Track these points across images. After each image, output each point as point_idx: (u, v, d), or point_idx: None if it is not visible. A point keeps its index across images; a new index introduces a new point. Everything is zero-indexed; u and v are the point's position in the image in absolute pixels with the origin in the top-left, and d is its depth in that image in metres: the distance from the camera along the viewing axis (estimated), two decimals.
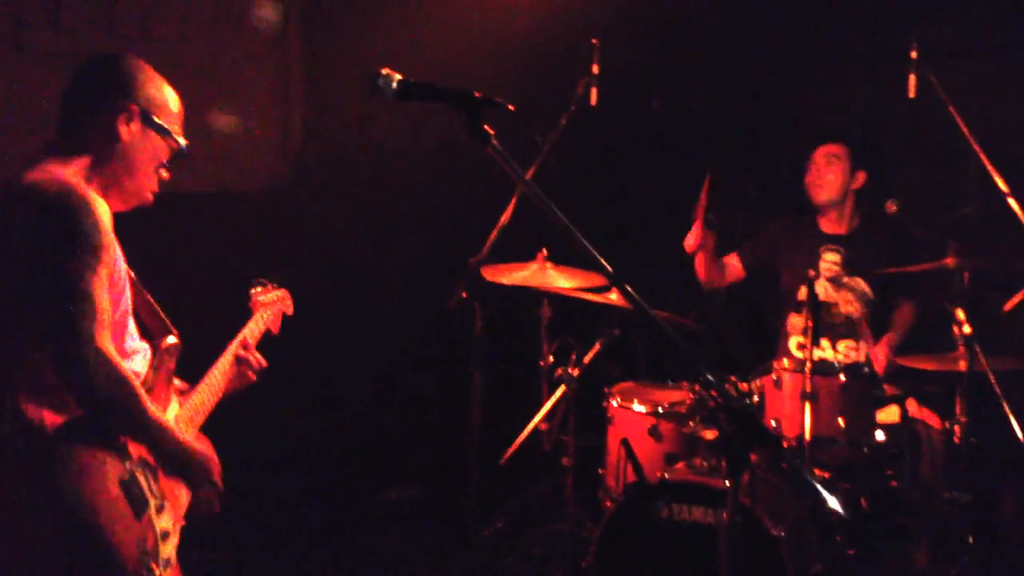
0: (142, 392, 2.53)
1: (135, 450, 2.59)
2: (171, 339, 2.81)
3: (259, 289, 3.35)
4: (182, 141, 2.77)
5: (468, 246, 4.62)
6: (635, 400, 4.62)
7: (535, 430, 4.70)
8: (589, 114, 4.82)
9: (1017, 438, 4.05)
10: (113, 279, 2.54)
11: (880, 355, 4.84)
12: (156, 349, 2.77)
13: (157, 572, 2.55)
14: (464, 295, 4.55)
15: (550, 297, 4.75)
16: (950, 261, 4.34)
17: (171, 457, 2.66)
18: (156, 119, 2.70)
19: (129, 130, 2.66)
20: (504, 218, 4.56)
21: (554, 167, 4.61)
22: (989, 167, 4.45)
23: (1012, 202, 4.40)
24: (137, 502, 2.53)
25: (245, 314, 3.27)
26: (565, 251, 4.41)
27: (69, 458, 2.43)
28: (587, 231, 2.24)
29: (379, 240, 6.23)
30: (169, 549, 2.65)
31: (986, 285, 4.64)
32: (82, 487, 2.42)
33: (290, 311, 3.44)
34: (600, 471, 4.73)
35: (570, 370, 4.64)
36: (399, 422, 6.18)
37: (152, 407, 2.56)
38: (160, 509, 2.62)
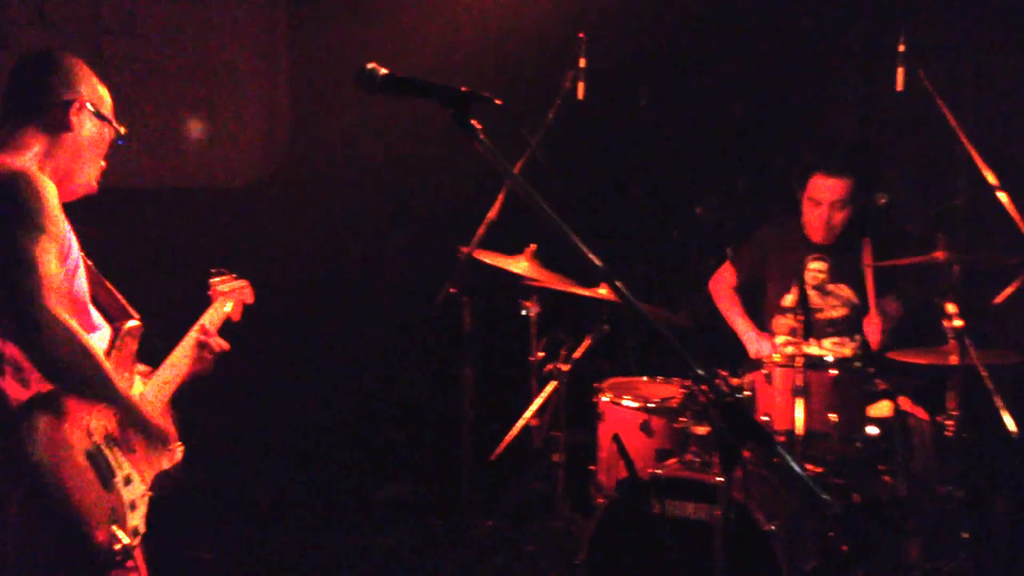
0: (99, 353, 2.61)
1: (99, 425, 2.68)
2: (132, 323, 2.90)
3: (218, 279, 3.42)
4: (122, 129, 2.93)
5: (456, 241, 4.60)
6: (626, 395, 4.60)
7: (526, 426, 4.69)
8: (576, 108, 4.80)
9: (1009, 432, 4.04)
10: (63, 254, 2.63)
11: (874, 329, 4.79)
12: (117, 331, 2.86)
13: (126, 540, 2.63)
14: (453, 290, 4.52)
15: (539, 292, 4.73)
16: (940, 255, 4.32)
17: (137, 424, 2.78)
18: (100, 111, 2.86)
19: (79, 121, 2.81)
20: (492, 213, 4.54)
21: (541, 162, 4.59)
22: (978, 160, 4.44)
23: (1001, 195, 4.39)
24: (104, 472, 2.64)
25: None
26: (553, 246, 4.39)
27: (35, 430, 2.51)
28: (575, 226, 2.23)
29: (366, 235, 6.21)
30: (137, 519, 2.75)
31: (976, 278, 4.63)
32: (49, 457, 2.51)
33: (250, 300, 3.50)
34: (591, 467, 4.71)
35: (560, 365, 4.62)
36: (389, 419, 6.16)
37: (109, 369, 2.65)
38: (128, 481, 2.73)
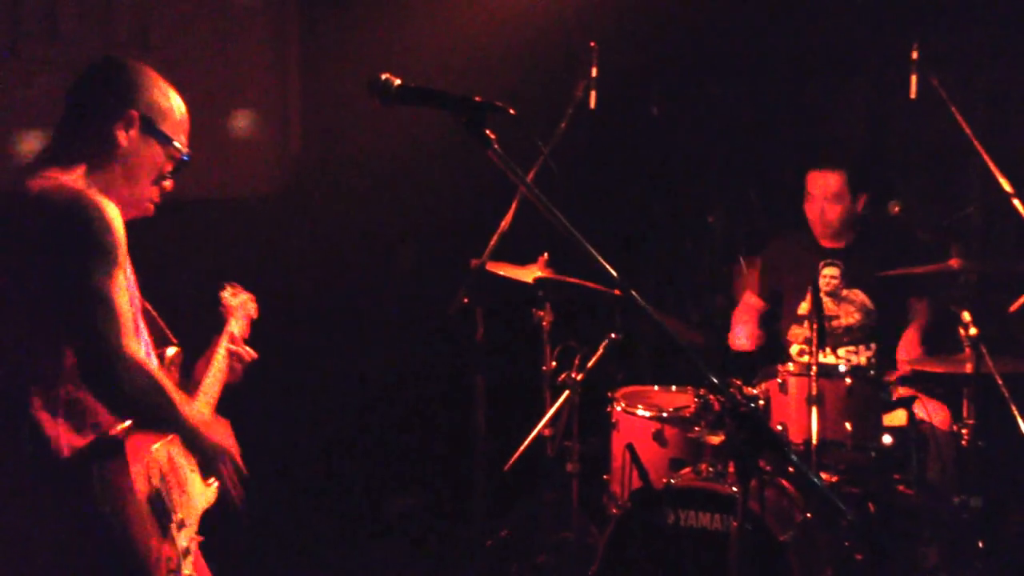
0: (169, 385, 2.51)
1: (156, 466, 2.57)
2: (172, 349, 2.80)
3: (228, 292, 3.32)
4: (184, 151, 2.69)
5: (469, 251, 4.59)
6: (639, 405, 4.59)
7: (539, 436, 4.67)
8: (588, 117, 4.80)
9: None
10: (127, 280, 2.51)
11: (911, 344, 4.79)
12: (161, 358, 2.75)
13: None
14: (465, 300, 4.52)
15: (552, 301, 4.72)
16: (955, 263, 4.31)
17: (204, 451, 2.68)
18: (158, 126, 2.62)
19: (128, 137, 2.57)
20: (505, 222, 4.53)
21: (554, 171, 4.58)
22: (992, 168, 4.43)
23: (1016, 203, 4.37)
24: (162, 518, 2.53)
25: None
26: (566, 256, 4.38)
27: (102, 479, 2.39)
28: (588, 235, 2.22)
29: (379, 246, 6.21)
30: (188, 568, 2.64)
31: (991, 286, 4.61)
32: (121, 506, 2.40)
33: (255, 314, 3.39)
34: (605, 477, 4.70)
35: (573, 375, 4.61)
36: (402, 430, 6.15)
37: (179, 400, 2.55)
38: (181, 525, 2.62)
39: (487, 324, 4.66)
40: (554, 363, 4.75)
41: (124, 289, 2.43)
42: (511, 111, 2.28)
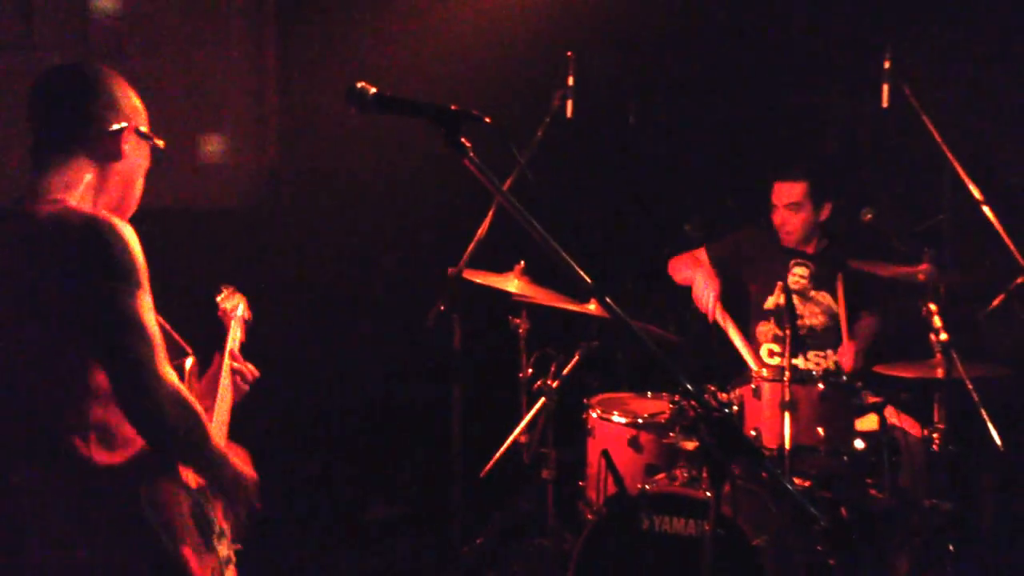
0: (204, 416, 2.48)
1: (194, 478, 2.57)
2: (189, 360, 2.76)
3: (224, 294, 3.27)
4: (161, 143, 2.70)
5: (446, 260, 4.61)
6: (615, 411, 4.61)
7: (515, 443, 4.69)
8: (565, 127, 4.82)
9: (996, 445, 4.06)
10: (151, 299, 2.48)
11: (847, 354, 4.84)
12: (179, 369, 2.69)
13: None
14: (442, 308, 4.53)
15: (529, 308, 4.74)
16: (926, 268, 4.35)
17: (226, 481, 2.64)
18: (143, 129, 2.64)
19: (130, 148, 2.59)
20: (481, 230, 4.55)
21: (531, 180, 4.61)
22: (963, 176, 4.48)
23: (986, 210, 4.43)
24: (206, 530, 2.52)
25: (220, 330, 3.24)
26: (543, 264, 4.41)
27: (151, 494, 2.39)
28: (564, 243, 2.24)
29: (356, 255, 6.22)
30: None
31: (962, 292, 4.66)
32: (168, 520, 2.39)
33: (248, 316, 3.35)
34: (581, 483, 4.72)
35: (549, 382, 4.63)
36: (379, 438, 6.16)
37: (213, 432, 2.52)
38: (221, 536, 2.62)
39: (464, 332, 4.68)
40: (530, 370, 4.77)
41: (151, 309, 2.41)
42: (487, 120, 2.30)
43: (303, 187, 6.05)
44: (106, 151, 2.55)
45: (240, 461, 2.73)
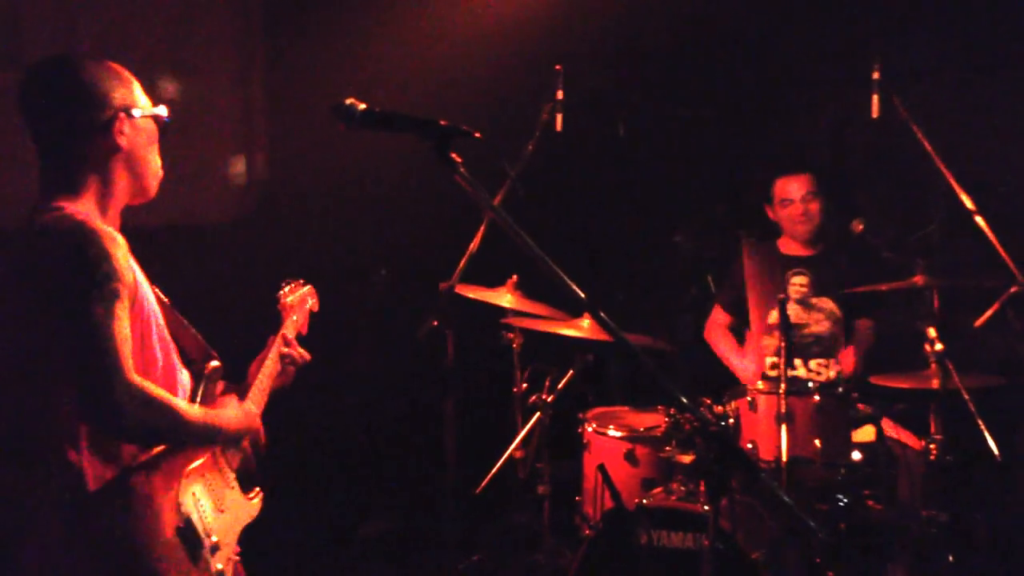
0: (177, 404, 2.49)
1: (188, 490, 2.57)
2: (214, 363, 2.78)
3: (286, 290, 3.38)
4: (163, 111, 2.68)
5: (438, 275, 4.60)
6: (611, 425, 4.60)
7: (510, 458, 4.67)
8: (555, 140, 4.82)
9: (993, 455, 4.05)
10: (135, 309, 2.46)
11: (847, 356, 4.88)
12: (199, 374, 2.73)
13: None
14: (435, 323, 4.51)
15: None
16: (919, 279, 4.35)
17: (224, 439, 2.74)
18: (138, 109, 2.61)
19: (125, 136, 2.57)
20: (473, 245, 4.54)
21: (521, 194, 4.60)
22: (954, 185, 4.48)
23: (979, 220, 4.42)
24: (193, 547, 2.52)
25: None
26: (535, 278, 4.40)
27: (131, 512, 2.40)
28: (556, 257, 2.23)
29: (347, 271, 6.20)
30: None
31: (956, 303, 4.65)
32: (139, 538, 2.39)
33: (316, 307, 3.49)
34: (577, 498, 4.70)
35: (544, 396, 4.62)
36: (372, 454, 6.13)
37: (190, 410, 2.54)
38: (215, 549, 2.61)
39: (457, 347, 4.66)
40: (525, 385, 4.76)
41: (126, 320, 2.39)
42: (477, 135, 2.28)
43: (293, 201, 6.03)
44: (103, 149, 2.55)
45: (241, 415, 2.79)
